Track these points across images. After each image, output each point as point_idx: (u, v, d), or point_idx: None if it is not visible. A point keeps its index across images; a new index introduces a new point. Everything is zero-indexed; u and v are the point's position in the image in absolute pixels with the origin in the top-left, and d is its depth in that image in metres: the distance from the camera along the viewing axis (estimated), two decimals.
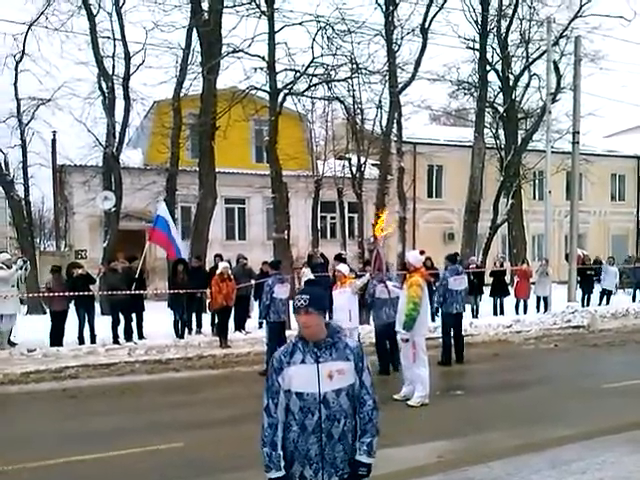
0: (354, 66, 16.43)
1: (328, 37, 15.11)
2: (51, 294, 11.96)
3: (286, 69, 14.81)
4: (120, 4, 16.46)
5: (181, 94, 16.65)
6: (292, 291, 11.29)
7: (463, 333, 11.66)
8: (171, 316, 13.05)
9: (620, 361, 11.90)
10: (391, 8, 17.50)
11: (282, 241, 14.47)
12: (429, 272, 11.52)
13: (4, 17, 22.88)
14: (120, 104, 17.10)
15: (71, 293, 11.72)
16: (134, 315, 12.45)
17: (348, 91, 18.43)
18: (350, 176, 20.90)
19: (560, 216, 26.59)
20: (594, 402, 8.27)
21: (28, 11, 18.96)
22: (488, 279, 17.04)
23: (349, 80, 17.22)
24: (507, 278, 17.95)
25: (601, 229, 30.97)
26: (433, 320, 13.01)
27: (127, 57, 16.75)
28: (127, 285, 12.21)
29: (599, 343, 13.59)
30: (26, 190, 18.45)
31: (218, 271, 12.43)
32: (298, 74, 14.80)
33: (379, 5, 17.70)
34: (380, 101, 19.19)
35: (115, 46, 16.79)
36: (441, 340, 11.24)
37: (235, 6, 15.13)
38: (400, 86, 18.06)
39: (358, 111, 19.97)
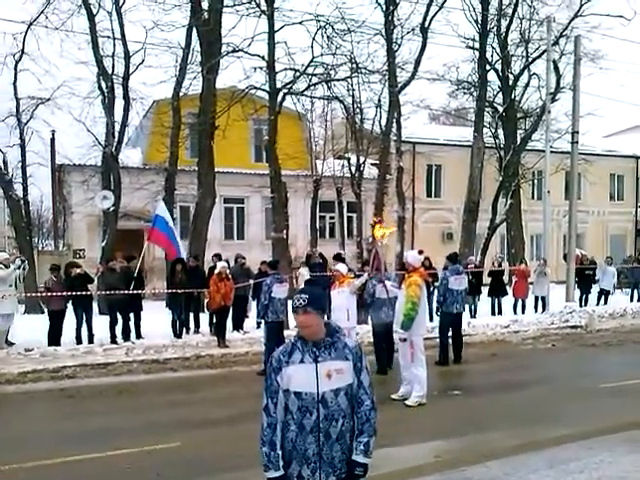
0: (354, 65, 16.42)
1: (328, 36, 15.09)
2: (49, 293, 11.95)
3: (286, 68, 14.80)
4: (120, 3, 16.45)
5: (180, 93, 16.64)
6: (290, 291, 11.28)
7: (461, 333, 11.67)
8: (169, 316, 13.04)
9: (618, 361, 11.92)
10: (391, 7, 17.47)
11: (281, 241, 14.46)
12: (428, 272, 11.52)
13: (4, 16, 22.72)
14: (119, 103, 17.11)
15: (69, 293, 11.72)
16: (132, 315, 12.43)
17: (347, 90, 18.45)
18: (349, 176, 20.91)
19: (559, 216, 26.61)
20: (592, 402, 8.28)
21: (28, 10, 18.92)
22: (486, 279, 17.05)
23: (349, 79, 17.22)
24: (505, 278, 17.96)
25: (600, 229, 30.97)
26: (431, 320, 13.01)
27: (127, 56, 16.73)
28: (125, 285, 12.20)
29: (597, 343, 13.60)
30: (25, 189, 18.41)
31: (216, 271, 12.43)
32: (298, 73, 14.78)
33: (379, 4, 17.68)
34: (379, 100, 19.19)
35: (115, 45, 16.78)
36: (438, 340, 11.24)
37: (235, 5, 15.11)
38: (400, 85, 18.05)
39: (357, 111, 19.98)
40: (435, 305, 12.17)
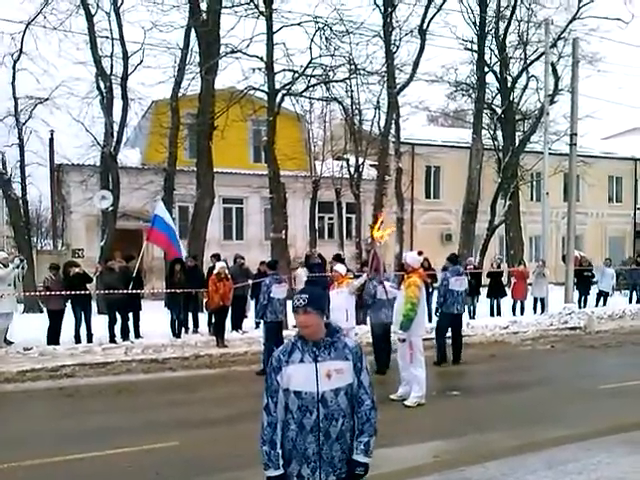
0: (352, 67, 16.46)
1: (326, 38, 15.13)
2: (48, 293, 11.94)
3: (284, 69, 14.81)
4: (118, 4, 16.43)
5: (179, 94, 16.64)
6: (289, 291, 11.30)
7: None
8: (168, 315, 13.05)
9: (616, 362, 11.92)
10: (389, 9, 17.53)
11: (280, 241, 14.47)
12: (427, 273, 11.53)
13: (2, 16, 22.78)
14: (118, 104, 17.10)
15: (68, 292, 11.71)
16: (131, 314, 12.44)
17: (346, 92, 18.51)
18: (348, 176, 20.96)
19: (557, 217, 26.66)
20: (590, 403, 8.29)
21: (26, 10, 18.90)
22: (485, 280, 17.06)
23: (347, 81, 17.27)
24: (504, 279, 17.98)
25: (598, 231, 31.02)
26: (430, 321, 13.02)
27: (125, 57, 16.73)
28: (124, 284, 12.20)
29: (596, 344, 13.61)
30: (23, 189, 18.41)
31: (215, 271, 12.44)
32: (296, 75, 14.80)
33: (377, 6, 17.73)
34: (378, 102, 19.25)
35: (113, 46, 16.79)
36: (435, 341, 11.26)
37: (233, 6, 15.13)
38: (398, 87, 18.09)
39: (356, 112, 20.05)
40: (435, 306, 12.18)
